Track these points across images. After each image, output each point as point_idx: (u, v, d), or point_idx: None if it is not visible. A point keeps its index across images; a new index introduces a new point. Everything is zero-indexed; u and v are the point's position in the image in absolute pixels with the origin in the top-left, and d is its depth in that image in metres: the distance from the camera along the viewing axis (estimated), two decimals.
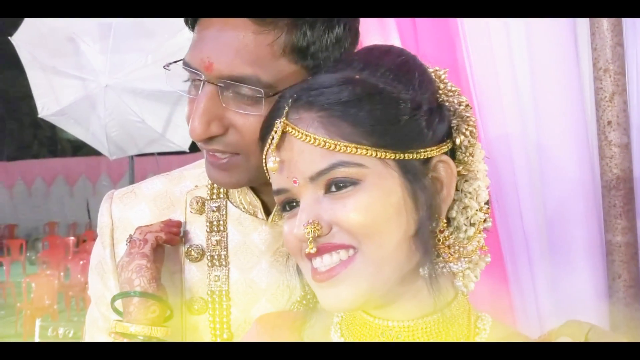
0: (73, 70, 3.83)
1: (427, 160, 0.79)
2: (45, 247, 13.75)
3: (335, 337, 0.88)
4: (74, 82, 3.86)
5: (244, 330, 1.01)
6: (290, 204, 0.81)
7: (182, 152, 4.34)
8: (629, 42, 1.28)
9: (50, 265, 11.53)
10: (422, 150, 0.78)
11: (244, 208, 1.07)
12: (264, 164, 0.82)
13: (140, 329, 0.94)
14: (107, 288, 1.07)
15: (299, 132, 0.76)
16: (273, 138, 0.78)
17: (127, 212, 1.08)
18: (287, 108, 0.78)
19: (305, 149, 0.76)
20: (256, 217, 1.06)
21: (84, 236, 15.23)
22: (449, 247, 0.80)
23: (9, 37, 4.11)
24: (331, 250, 0.76)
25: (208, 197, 1.08)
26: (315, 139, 0.75)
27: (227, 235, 1.06)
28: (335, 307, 0.79)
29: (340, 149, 0.75)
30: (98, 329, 1.09)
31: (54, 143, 22.90)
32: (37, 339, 5.55)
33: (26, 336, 7.88)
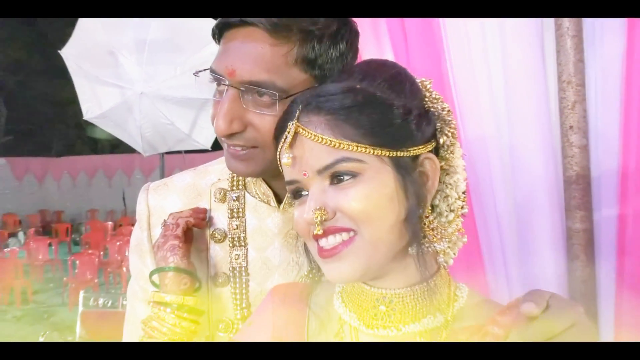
0: (113, 79, 3.85)
1: (416, 157, 0.78)
2: (87, 230, 13.75)
3: (337, 304, 0.86)
4: (114, 89, 3.88)
5: (259, 299, 1.00)
6: (300, 193, 0.80)
7: (206, 150, 4.32)
8: (589, 59, 1.26)
9: (91, 245, 11.53)
10: (411, 149, 0.78)
11: (259, 197, 1.06)
12: (278, 159, 0.82)
13: (174, 298, 0.94)
14: (145, 265, 1.06)
15: (309, 132, 0.76)
16: (287, 138, 0.78)
17: (161, 201, 1.07)
18: (298, 112, 0.78)
19: (314, 146, 0.76)
20: (269, 205, 1.05)
21: (120, 221, 15.22)
22: (432, 229, 0.80)
23: (59, 51, 4.11)
24: (334, 232, 0.76)
25: (229, 189, 1.07)
26: (322, 138, 0.75)
27: (245, 220, 1.05)
28: (338, 279, 0.79)
29: (344, 147, 0.75)
30: (138, 299, 1.08)
31: (94, 142, 22.84)
32: (80, 308, 5.57)
33: (71, 305, 7.91)
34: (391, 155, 0.76)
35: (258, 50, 0.86)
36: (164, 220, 1.01)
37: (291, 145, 0.78)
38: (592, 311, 1.27)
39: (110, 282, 9.39)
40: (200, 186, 1.07)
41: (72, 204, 18.08)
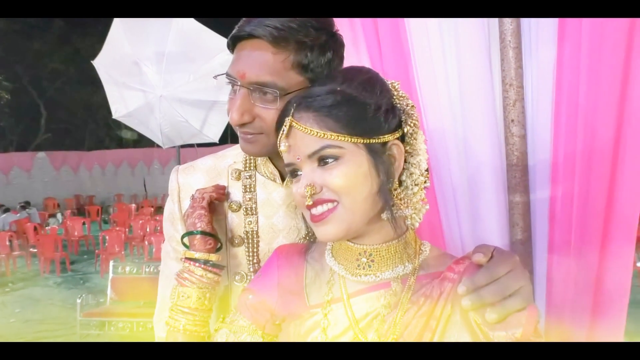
0: (137, 85, 3.81)
1: (385, 143, 0.80)
2: (114, 211, 13.57)
3: (328, 258, 0.87)
4: (138, 93, 3.84)
5: (267, 256, 1.00)
6: (296, 173, 0.82)
7: (214, 144, 4.30)
8: (527, 66, 1.26)
9: (118, 223, 11.42)
10: (381, 137, 0.79)
11: (267, 176, 1.06)
12: (278, 146, 0.83)
13: (202, 255, 0.94)
14: (176, 230, 1.07)
15: (300, 126, 0.78)
16: (284, 130, 0.80)
17: (188, 180, 1.08)
18: (292, 109, 0.80)
19: (305, 137, 0.78)
20: (275, 182, 1.05)
21: (142, 203, 15.07)
22: (400, 199, 0.81)
23: (92, 61, 4.05)
24: (322, 203, 0.78)
25: (243, 169, 1.07)
26: (310, 130, 0.77)
27: (256, 194, 1.05)
28: (326, 238, 0.80)
29: (327, 137, 0.77)
30: (170, 258, 1.08)
31: (120, 138, 22.59)
32: (110, 274, 5.52)
33: (102, 273, 7.84)
34: (365, 142, 0.78)
35: (263, 58, 0.88)
36: (192, 195, 1.01)
37: (287, 136, 0.80)
38: (529, 267, 1.26)
39: (135, 253, 9.33)
40: (219, 167, 1.08)
41: (101, 189, 17.89)
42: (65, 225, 10.78)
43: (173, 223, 1.08)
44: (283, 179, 1.05)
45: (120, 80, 3.82)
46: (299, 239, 1.04)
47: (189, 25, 3.61)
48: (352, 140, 0.77)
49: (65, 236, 10.08)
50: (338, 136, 0.76)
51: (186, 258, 0.95)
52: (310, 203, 0.78)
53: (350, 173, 0.77)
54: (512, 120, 1.25)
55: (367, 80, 0.82)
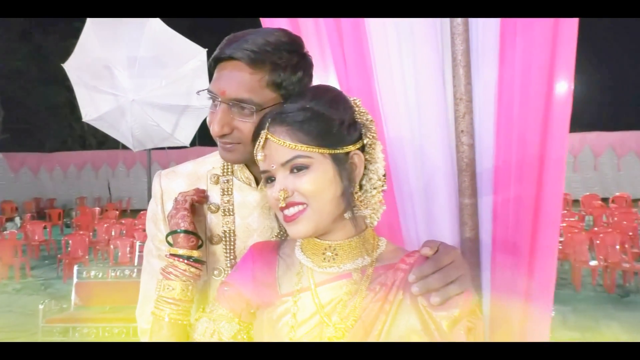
0: (109, 89, 3.79)
1: (348, 153, 0.89)
2: (77, 215, 13.24)
3: (298, 253, 0.97)
4: (109, 97, 3.83)
5: (243, 253, 1.08)
6: (271, 179, 0.91)
7: (184, 147, 4.31)
8: (474, 83, 1.39)
9: (81, 227, 11.16)
10: (344, 148, 0.89)
11: (243, 180, 1.14)
12: (255, 155, 0.92)
13: (185, 251, 1.03)
14: (159, 230, 1.15)
15: (275, 138, 0.87)
16: (260, 142, 0.89)
17: (170, 184, 1.16)
18: (267, 124, 0.89)
19: (279, 147, 0.87)
20: (250, 186, 1.14)
21: (106, 207, 14.74)
22: (361, 201, 0.91)
23: (62, 64, 3.99)
24: (293, 205, 0.88)
25: (221, 174, 1.15)
26: (284, 142, 0.86)
27: (233, 197, 1.14)
28: (297, 235, 0.90)
29: (298, 148, 0.86)
30: (152, 256, 1.16)
31: (83, 139, 21.98)
32: (75, 279, 5.44)
33: (65, 278, 7.67)
34: (330, 152, 0.87)
35: (241, 77, 0.96)
36: (175, 198, 1.09)
37: (263, 147, 0.89)
38: (476, 261, 1.39)
39: (99, 258, 9.14)
40: (199, 172, 1.17)
41: (63, 192, 17.35)
42: (24, 229, 10.46)
43: (156, 223, 1.15)
44: (258, 184, 1.13)
45: (91, 84, 3.82)
46: (272, 237, 1.12)
47: (161, 31, 3.61)
48: (320, 151, 0.86)
49: (25, 241, 9.79)
50: (307, 147, 0.86)
51: (171, 254, 1.03)
52: (284, 205, 0.87)
53: (317, 179, 0.86)
54: (462, 131, 1.38)
55: (333, 98, 0.92)
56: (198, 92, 1.07)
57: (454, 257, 0.86)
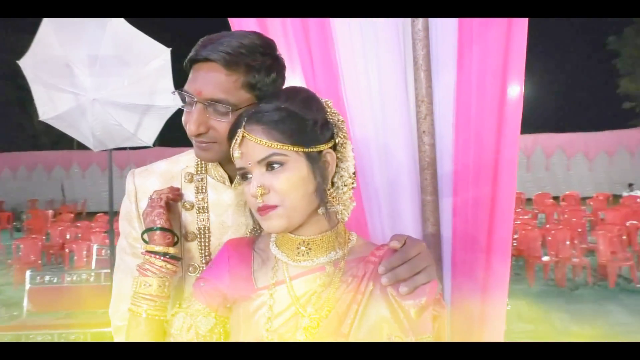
0: (68, 87, 3.69)
1: (321, 152, 0.93)
2: (29, 218, 12.72)
3: (273, 248, 1.00)
4: (69, 95, 3.71)
5: (217, 249, 1.11)
6: (246, 176, 0.93)
7: (148, 147, 4.24)
8: (435, 86, 1.46)
9: (34, 231, 10.75)
10: (317, 147, 0.93)
11: (217, 179, 1.16)
12: (231, 153, 0.94)
13: (161, 249, 1.04)
14: (133, 227, 1.16)
15: (251, 137, 0.90)
16: (237, 140, 0.92)
17: (144, 182, 1.17)
18: (244, 123, 0.92)
19: (255, 146, 0.90)
20: (224, 184, 1.16)
21: (60, 210, 14.23)
22: (333, 197, 0.95)
23: (17, 62, 3.89)
24: (268, 201, 0.90)
25: (195, 172, 1.17)
26: (260, 140, 0.89)
27: (207, 195, 1.16)
28: (272, 230, 0.93)
29: (273, 146, 0.89)
30: (126, 253, 1.17)
31: (35, 139, 21.07)
32: (27, 285, 5.25)
33: (16, 284, 7.36)
34: (304, 151, 0.91)
35: (217, 78, 0.99)
36: (150, 196, 1.11)
37: (240, 145, 0.92)
38: (439, 254, 1.47)
39: (53, 262, 8.84)
40: (173, 171, 1.18)
41: (12, 195, 16.60)
42: None
43: (130, 221, 1.16)
44: (232, 182, 1.15)
45: (50, 82, 3.71)
46: (246, 234, 1.14)
47: (124, 29, 3.54)
48: (294, 149, 0.90)
49: None
50: (283, 146, 0.89)
51: (147, 251, 1.04)
52: (261, 201, 0.90)
53: (292, 177, 0.90)
54: (424, 131, 1.45)
55: (306, 99, 0.96)
56: (173, 92, 1.09)
57: (420, 249, 0.92)
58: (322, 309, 0.91)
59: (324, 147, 0.94)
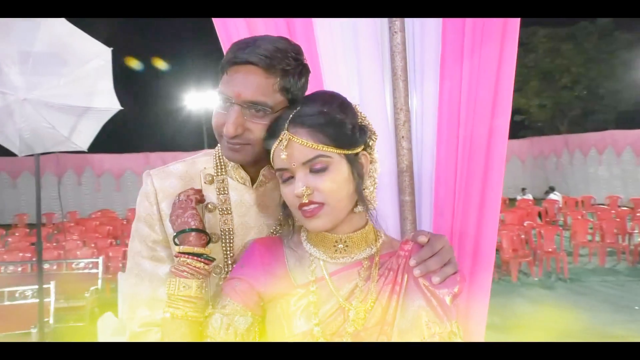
0: None
1: (357, 154, 1.00)
2: None
3: (307, 247, 1.05)
4: None
5: (240, 251, 1.13)
6: (288, 177, 0.98)
7: (82, 152, 3.96)
8: (412, 94, 1.57)
9: None
10: (355, 149, 0.99)
11: (238, 180, 1.17)
12: (273, 155, 0.98)
13: (199, 249, 1.03)
14: (153, 230, 1.13)
15: (297, 139, 0.95)
16: (282, 141, 0.96)
17: (164, 183, 1.15)
18: (286, 125, 0.96)
19: (301, 147, 0.95)
20: (245, 185, 1.17)
21: None
22: (366, 196, 1.02)
23: None
24: (313, 202, 0.95)
25: (215, 174, 1.17)
26: (306, 142, 0.95)
27: (229, 196, 1.16)
28: (316, 230, 0.98)
29: (319, 148, 0.94)
30: (142, 257, 1.14)
31: None
32: None
33: None
34: (345, 153, 0.97)
35: (257, 81, 1.02)
36: (178, 197, 1.09)
37: (286, 147, 0.96)
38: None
39: None
40: (191, 173, 1.18)
41: None
42: None
43: (151, 224, 1.13)
44: (252, 183, 1.17)
45: None
46: (267, 234, 1.17)
47: (62, 27, 3.25)
48: (337, 151, 0.96)
49: None
50: (327, 148, 0.95)
51: (183, 253, 1.03)
52: (307, 202, 0.95)
53: (336, 178, 0.95)
54: (402, 137, 1.55)
55: (342, 103, 1.02)
56: (219, 92, 1.08)
57: (443, 242, 1.02)
58: (367, 301, 0.98)
59: (360, 150, 1.01)
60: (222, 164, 1.18)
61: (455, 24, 1.42)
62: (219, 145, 1.20)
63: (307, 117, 0.97)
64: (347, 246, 1.02)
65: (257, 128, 1.04)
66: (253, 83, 1.01)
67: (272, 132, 1.00)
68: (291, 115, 0.98)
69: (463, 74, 1.39)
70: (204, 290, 1.03)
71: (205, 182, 1.17)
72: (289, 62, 1.04)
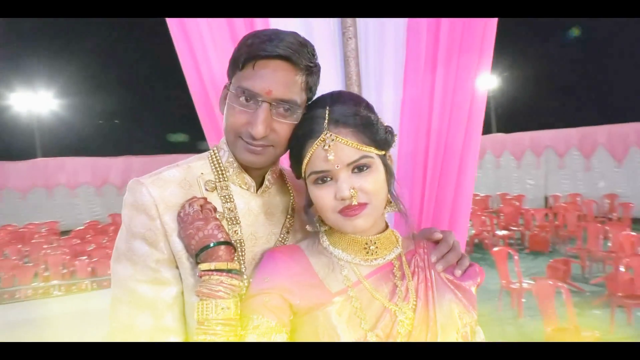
0: None
1: (385, 155, 0.99)
2: None
3: (336, 252, 1.00)
4: None
5: (250, 263, 1.03)
6: (325, 179, 0.94)
7: None
8: (369, 100, 1.56)
9: None
10: (387, 150, 0.99)
11: (242, 186, 1.07)
12: (307, 157, 0.94)
13: (232, 265, 0.93)
14: (156, 248, 0.96)
15: (342, 139, 0.92)
16: (326, 142, 0.92)
17: (163, 192, 0.99)
18: (325, 126, 0.93)
19: (345, 148, 0.92)
20: (249, 191, 1.08)
21: None
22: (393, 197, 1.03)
23: None
24: (358, 202, 0.92)
25: (217, 180, 1.06)
26: (352, 143, 0.92)
27: (235, 204, 1.05)
28: (357, 230, 0.95)
29: (362, 149, 0.92)
30: (137, 281, 0.96)
31: None
32: None
33: None
34: (381, 154, 0.97)
35: (287, 78, 0.96)
36: (187, 207, 0.97)
37: (330, 147, 0.92)
38: None
39: None
40: (190, 179, 1.04)
41: None
42: None
43: (152, 241, 0.97)
44: (257, 189, 1.09)
45: None
46: (275, 244, 1.09)
47: None
48: (376, 152, 0.95)
49: None
50: (369, 149, 0.93)
51: (214, 270, 0.91)
52: (355, 203, 0.91)
53: (378, 178, 0.95)
54: None
55: (368, 104, 1.00)
56: (238, 92, 0.98)
57: (453, 237, 1.07)
58: (409, 300, 0.97)
59: (388, 151, 1.01)
60: (221, 168, 1.07)
61: (420, 33, 1.45)
62: (214, 148, 1.11)
63: (349, 117, 0.94)
64: (377, 247, 1.01)
65: (283, 128, 0.98)
66: (284, 79, 0.96)
67: (307, 132, 0.95)
68: (328, 116, 0.94)
69: (437, 81, 1.41)
70: (239, 309, 0.92)
71: (206, 190, 1.04)
72: (311, 59, 1.00)
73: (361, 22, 1.57)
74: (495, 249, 5.74)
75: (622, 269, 5.04)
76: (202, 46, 1.47)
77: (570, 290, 4.02)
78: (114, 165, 15.40)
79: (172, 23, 1.45)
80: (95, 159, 15.52)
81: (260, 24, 1.44)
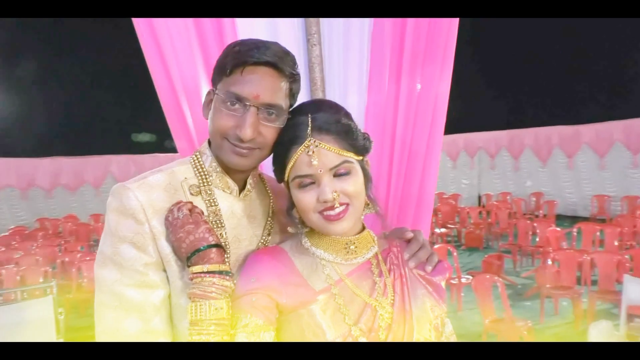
0: None
1: (363, 159, 1.05)
2: None
3: (318, 252, 1.05)
4: None
5: (234, 265, 1.06)
6: (306, 183, 0.99)
7: None
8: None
9: None
10: (365, 155, 1.05)
11: (225, 190, 1.10)
12: (291, 162, 0.97)
13: (224, 267, 0.96)
14: (146, 252, 0.98)
15: (325, 145, 0.97)
16: (310, 148, 0.96)
17: (150, 197, 1.01)
18: (309, 132, 0.97)
19: (327, 153, 0.97)
20: (231, 194, 1.11)
21: None
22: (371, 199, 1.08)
23: None
24: (340, 205, 0.98)
25: (201, 184, 1.08)
26: (334, 149, 0.97)
27: (219, 208, 1.08)
28: (340, 232, 1.01)
29: (343, 154, 0.98)
30: (124, 285, 0.97)
31: None
32: None
33: None
34: (359, 159, 1.02)
35: (274, 83, 1.01)
36: (175, 211, 0.99)
37: (314, 153, 0.96)
38: None
39: None
40: (174, 184, 1.06)
41: None
42: None
43: (140, 245, 0.98)
44: (240, 192, 1.12)
45: None
46: (258, 246, 1.13)
47: None
48: (355, 157, 1.01)
49: None
50: (349, 154, 0.99)
51: (206, 272, 0.94)
52: (338, 206, 0.97)
53: (357, 182, 1.00)
54: None
55: (346, 112, 1.05)
56: (227, 96, 1.01)
57: (422, 235, 1.16)
58: (387, 295, 1.04)
59: (365, 156, 1.07)
60: (204, 173, 1.10)
61: (384, 40, 1.52)
62: (196, 153, 1.13)
63: (331, 124, 0.99)
64: (357, 247, 1.07)
65: (269, 132, 1.02)
66: (271, 85, 1.00)
67: (292, 139, 0.99)
68: (311, 123, 0.98)
69: (401, 87, 1.48)
70: (230, 309, 0.96)
71: (191, 193, 1.07)
72: (293, 67, 1.05)
73: (325, 29, 1.63)
74: (436, 246, 6.00)
75: (549, 262, 5.45)
76: (172, 46, 1.48)
77: (504, 283, 4.30)
78: (41, 166, 14.46)
79: (139, 23, 1.43)
80: (19, 159, 14.49)
81: (228, 24, 1.46)
